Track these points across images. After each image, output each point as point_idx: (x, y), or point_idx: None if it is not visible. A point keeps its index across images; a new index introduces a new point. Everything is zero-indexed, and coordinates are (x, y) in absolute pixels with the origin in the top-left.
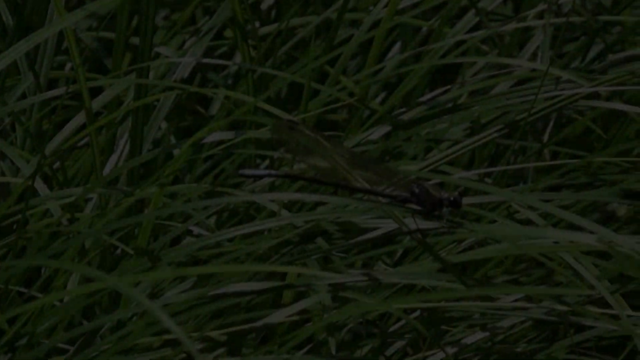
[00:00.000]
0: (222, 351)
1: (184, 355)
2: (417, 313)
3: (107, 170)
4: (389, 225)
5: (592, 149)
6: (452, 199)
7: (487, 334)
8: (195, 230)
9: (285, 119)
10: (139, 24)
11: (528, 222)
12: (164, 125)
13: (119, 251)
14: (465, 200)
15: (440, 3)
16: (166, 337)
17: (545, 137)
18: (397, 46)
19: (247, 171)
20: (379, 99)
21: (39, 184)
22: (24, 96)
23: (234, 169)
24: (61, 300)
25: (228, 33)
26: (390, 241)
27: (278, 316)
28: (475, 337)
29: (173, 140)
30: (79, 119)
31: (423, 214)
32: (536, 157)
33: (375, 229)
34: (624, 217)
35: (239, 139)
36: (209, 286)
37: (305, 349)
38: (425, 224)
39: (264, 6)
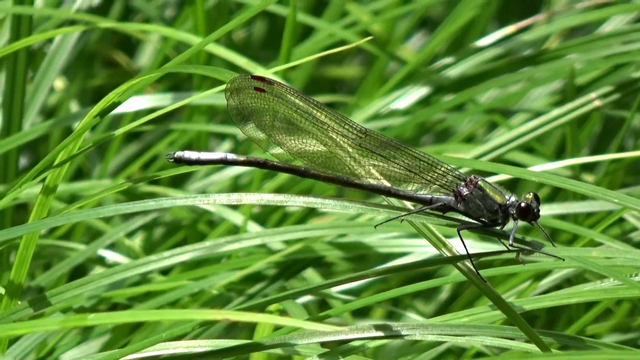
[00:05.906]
0: None
1: None
2: None
3: None
4: (423, 249)
5: None
6: (522, 205)
7: None
8: (110, 255)
9: (253, 74)
10: None
11: None
12: (60, 84)
13: None
14: (546, 209)
15: None
16: None
17: None
18: None
19: (191, 155)
20: (411, 43)
21: None
22: None
23: (169, 153)
24: None
25: None
26: (427, 275)
27: None
28: None
29: (75, 108)
30: None
31: (477, 228)
32: None
33: (401, 254)
34: None
35: (179, 104)
36: (129, 344)
37: None
38: (480, 247)
39: None
